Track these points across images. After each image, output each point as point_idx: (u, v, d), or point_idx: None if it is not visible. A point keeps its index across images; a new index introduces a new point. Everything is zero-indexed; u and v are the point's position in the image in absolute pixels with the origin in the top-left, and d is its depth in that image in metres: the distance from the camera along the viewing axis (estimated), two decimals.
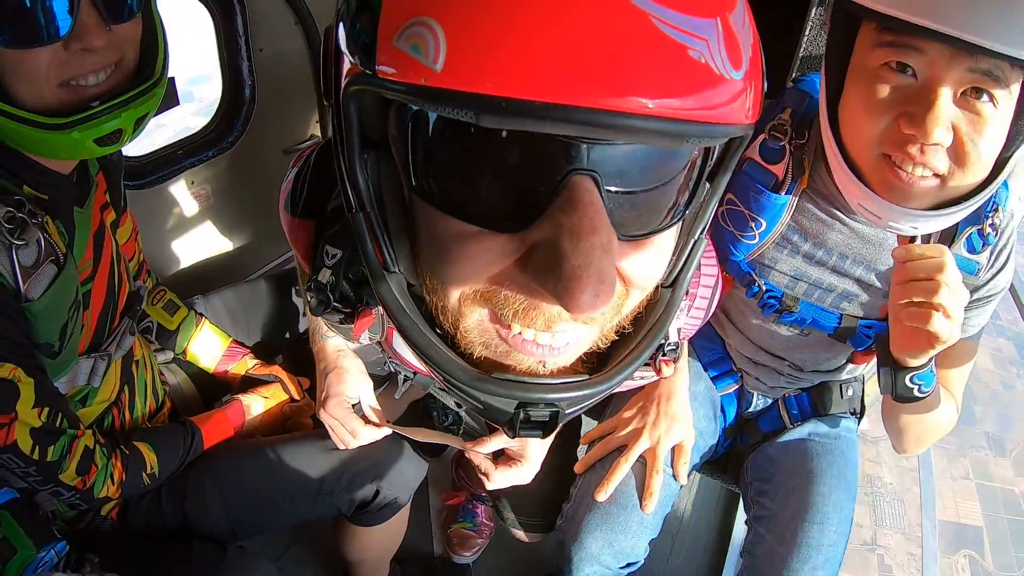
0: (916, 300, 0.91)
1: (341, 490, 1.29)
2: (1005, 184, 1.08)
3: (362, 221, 0.50)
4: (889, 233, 1.10)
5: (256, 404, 1.35)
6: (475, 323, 0.50)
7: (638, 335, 0.55)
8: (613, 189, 0.44)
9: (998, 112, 0.85)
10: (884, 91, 0.88)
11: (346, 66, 0.46)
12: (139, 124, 0.88)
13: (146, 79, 0.88)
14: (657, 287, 0.56)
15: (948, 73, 0.83)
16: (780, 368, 1.37)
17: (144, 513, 1.19)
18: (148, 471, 1.10)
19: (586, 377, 0.52)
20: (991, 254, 1.10)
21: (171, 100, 1.60)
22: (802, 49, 1.82)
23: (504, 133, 0.41)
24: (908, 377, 1.04)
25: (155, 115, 1.56)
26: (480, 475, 1.12)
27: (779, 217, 1.15)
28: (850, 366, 1.39)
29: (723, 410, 1.45)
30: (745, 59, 0.42)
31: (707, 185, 0.52)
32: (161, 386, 1.32)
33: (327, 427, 1.15)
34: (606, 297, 0.43)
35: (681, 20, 0.38)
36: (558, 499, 1.35)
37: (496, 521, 1.88)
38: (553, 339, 0.49)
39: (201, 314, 1.43)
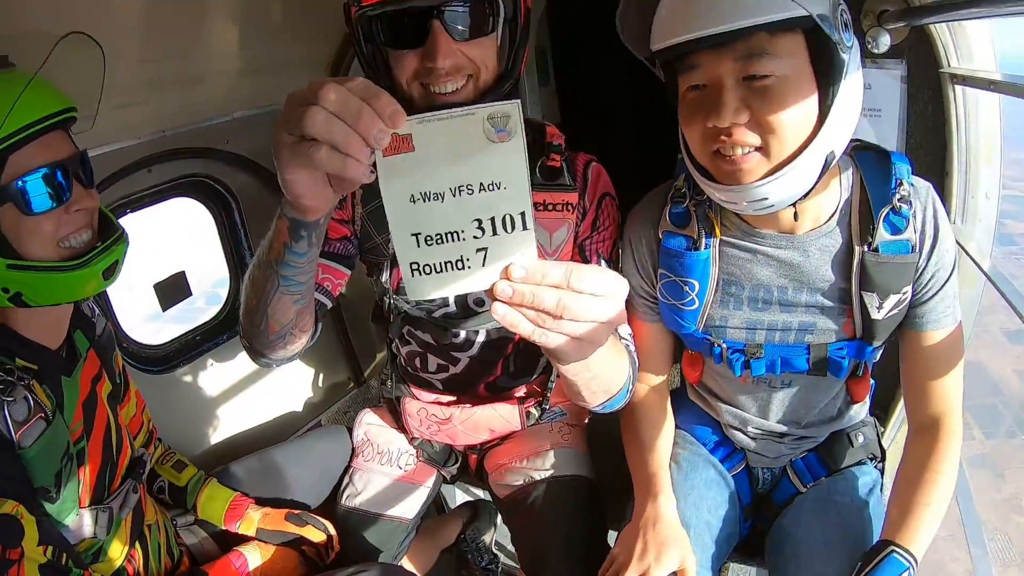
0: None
1: None
2: (903, 159, 1.16)
3: None
4: (810, 254, 1.16)
5: (254, 553, 1.40)
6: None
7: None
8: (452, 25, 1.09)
9: (784, 80, 0.97)
10: (692, 106, 1.05)
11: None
12: (123, 258, 1.12)
13: (112, 232, 1.12)
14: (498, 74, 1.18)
15: (720, 69, 0.99)
16: (776, 429, 1.35)
17: None
18: None
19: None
20: (919, 230, 1.13)
21: (183, 292, 1.80)
22: None
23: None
24: None
25: (170, 307, 1.76)
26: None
27: (707, 272, 1.22)
28: (855, 408, 1.37)
29: (738, 492, 1.43)
30: None
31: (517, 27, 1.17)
32: (177, 546, 1.39)
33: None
34: (451, 58, 1.10)
35: None
36: None
37: None
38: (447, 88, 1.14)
39: (212, 476, 1.51)
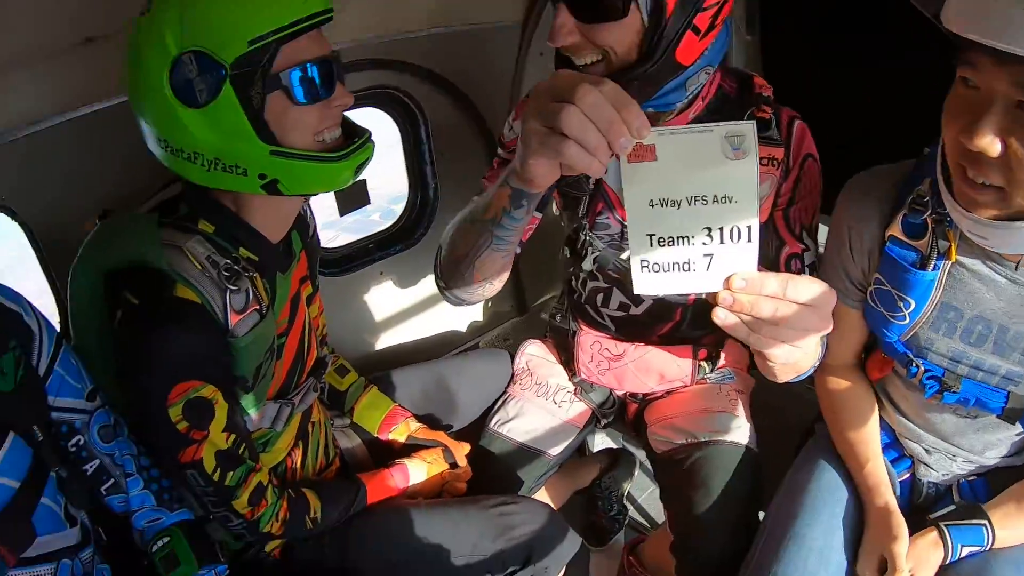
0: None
1: (494, 554, 1.31)
2: None
3: None
4: None
5: (419, 470, 1.42)
6: None
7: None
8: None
9: None
10: (956, 104, 0.91)
11: None
12: (366, 162, 1.11)
13: (360, 134, 1.11)
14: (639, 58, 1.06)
15: (996, 84, 0.83)
16: (953, 453, 1.23)
17: (308, 555, 1.29)
18: (312, 515, 1.21)
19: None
20: None
21: (363, 199, 1.86)
22: None
23: None
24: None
25: (348, 213, 1.82)
26: None
27: (928, 295, 1.10)
28: None
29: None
30: None
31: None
32: (333, 447, 1.45)
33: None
34: (570, 38, 1.05)
35: None
36: None
37: None
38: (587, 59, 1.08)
39: (372, 383, 1.56)
